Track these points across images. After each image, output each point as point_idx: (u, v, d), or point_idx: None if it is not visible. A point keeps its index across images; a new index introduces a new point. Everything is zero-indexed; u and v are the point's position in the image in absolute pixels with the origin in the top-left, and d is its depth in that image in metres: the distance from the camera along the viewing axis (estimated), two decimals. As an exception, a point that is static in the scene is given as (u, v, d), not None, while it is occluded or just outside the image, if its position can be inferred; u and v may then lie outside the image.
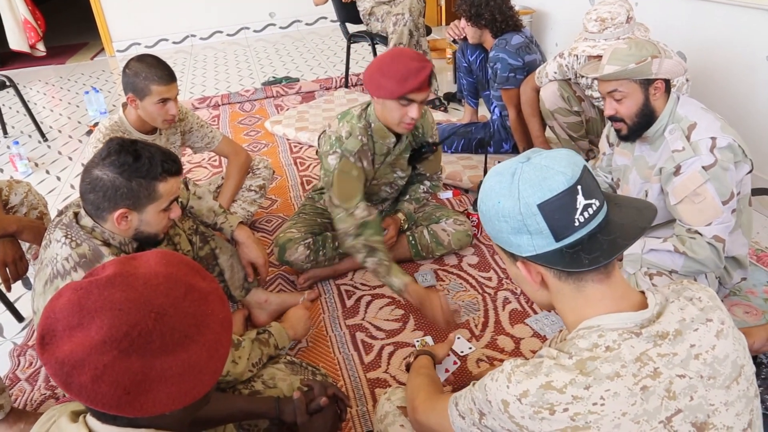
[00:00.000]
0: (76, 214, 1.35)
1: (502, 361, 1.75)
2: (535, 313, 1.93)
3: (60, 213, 1.41)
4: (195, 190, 1.76)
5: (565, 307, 0.88)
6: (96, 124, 3.87)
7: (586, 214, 0.81)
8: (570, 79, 2.48)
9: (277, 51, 5.70)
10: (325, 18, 6.60)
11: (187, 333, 0.72)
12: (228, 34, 6.32)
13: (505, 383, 0.81)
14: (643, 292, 0.87)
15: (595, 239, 0.82)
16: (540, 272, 0.87)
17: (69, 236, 1.31)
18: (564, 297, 0.87)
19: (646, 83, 1.60)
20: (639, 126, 1.66)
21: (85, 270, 1.28)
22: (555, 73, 2.47)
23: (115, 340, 0.68)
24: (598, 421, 0.75)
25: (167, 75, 1.94)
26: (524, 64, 2.65)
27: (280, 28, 6.48)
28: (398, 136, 1.99)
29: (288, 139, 3.49)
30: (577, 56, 2.38)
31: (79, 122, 4.14)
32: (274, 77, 4.75)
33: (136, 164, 1.27)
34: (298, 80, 4.56)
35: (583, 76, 2.40)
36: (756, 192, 2.34)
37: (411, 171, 2.19)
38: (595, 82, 2.37)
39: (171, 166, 1.32)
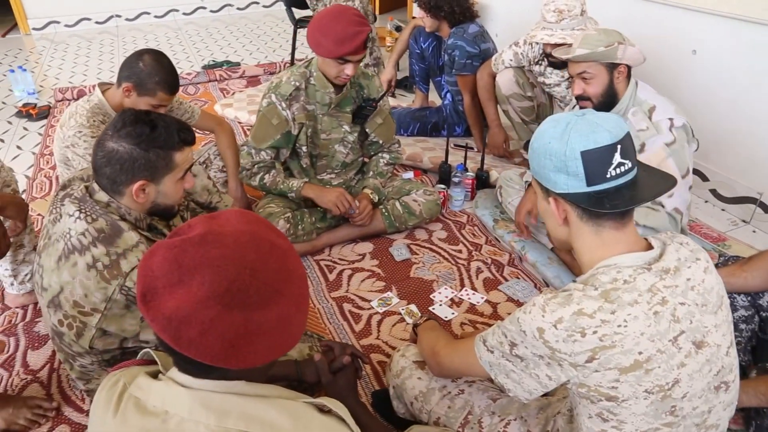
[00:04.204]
0: (87, 188, 1.32)
1: (483, 323, 1.90)
2: (506, 280, 2.10)
3: (64, 186, 1.35)
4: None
5: (582, 246, 1.03)
6: (26, 105, 3.62)
7: (618, 170, 0.96)
8: (524, 66, 2.66)
9: (210, 35, 5.54)
10: (257, 3, 6.50)
11: (277, 288, 0.74)
12: (156, 16, 6.06)
13: (540, 313, 0.95)
14: (646, 239, 1.04)
15: (619, 192, 0.98)
16: (566, 209, 1.02)
17: (83, 210, 1.27)
18: (582, 236, 1.02)
19: (612, 67, 1.80)
20: (603, 106, 1.85)
21: (105, 245, 1.25)
22: (511, 60, 2.64)
23: (217, 296, 0.70)
24: (622, 340, 0.91)
25: (176, 86, 1.93)
26: (480, 52, 2.80)
27: (211, 11, 6.30)
28: (339, 88, 2.12)
29: (240, 122, 3.46)
30: (531, 45, 2.56)
31: (4, 103, 3.85)
32: (213, 61, 4.64)
33: (153, 134, 1.26)
34: (239, 64, 4.50)
35: (537, 63, 2.59)
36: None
37: (360, 130, 2.27)
38: (548, 69, 2.56)
39: (186, 135, 1.32)
